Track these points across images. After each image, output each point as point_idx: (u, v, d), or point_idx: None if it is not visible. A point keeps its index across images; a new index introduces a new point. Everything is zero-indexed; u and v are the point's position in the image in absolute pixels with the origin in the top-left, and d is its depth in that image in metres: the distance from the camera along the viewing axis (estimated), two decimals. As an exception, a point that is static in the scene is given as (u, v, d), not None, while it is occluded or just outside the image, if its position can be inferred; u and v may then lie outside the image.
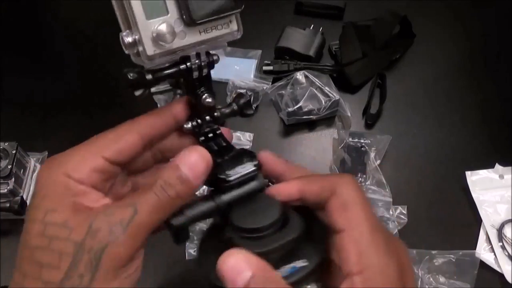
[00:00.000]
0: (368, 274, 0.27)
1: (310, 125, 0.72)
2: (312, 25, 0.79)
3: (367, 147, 0.67)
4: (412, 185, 0.66)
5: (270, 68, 0.75)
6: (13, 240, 0.61)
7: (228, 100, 0.71)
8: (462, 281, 0.56)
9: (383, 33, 0.77)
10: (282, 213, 0.30)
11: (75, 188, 0.27)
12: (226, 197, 0.31)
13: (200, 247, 0.33)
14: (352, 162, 0.65)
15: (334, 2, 0.84)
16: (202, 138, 0.33)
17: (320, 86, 0.71)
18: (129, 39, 0.28)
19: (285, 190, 0.32)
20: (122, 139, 0.29)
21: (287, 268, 0.29)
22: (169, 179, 0.27)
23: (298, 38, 0.77)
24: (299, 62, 0.75)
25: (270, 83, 0.73)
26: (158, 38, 0.28)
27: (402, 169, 0.67)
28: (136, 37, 0.28)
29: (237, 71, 0.76)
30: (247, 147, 0.68)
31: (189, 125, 0.32)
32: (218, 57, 0.32)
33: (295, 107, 0.69)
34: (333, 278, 0.31)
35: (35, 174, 0.65)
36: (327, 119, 0.71)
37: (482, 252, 0.59)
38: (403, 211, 0.59)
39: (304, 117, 0.70)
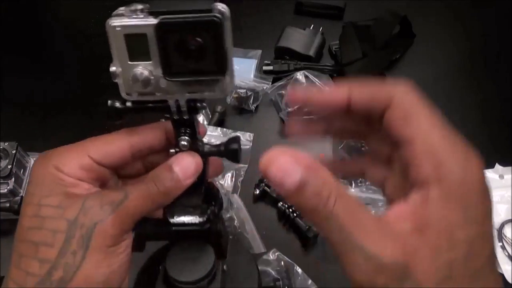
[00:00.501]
0: (447, 184, 0.24)
1: (310, 125, 0.72)
2: (312, 25, 0.80)
3: (367, 147, 0.66)
4: (412, 185, 0.66)
5: (270, 68, 0.75)
6: (13, 240, 0.61)
7: (228, 99, 0.71)
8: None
9: (383, 33, 0.77)
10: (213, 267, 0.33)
11: (66, 180, 0.28)
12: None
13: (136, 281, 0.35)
14: (352, 162, 0.65)
15: (334, 2, 0.84)
16: None
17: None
18: (113, 69, 0.29)
19: (333, 95, 0.29)
20: (110, 144, 0.31)
21: None
22: (161, 175, 0.29)
23: (298, 38, 0.77)
24: (299, 62, 0.75)
25: (270, 83, 0.73)
26: (133, 81, 0.28)
27: (402, 169, 0.67)
28: (118, 71, 0.29)
29: (237, 71, 0.75)
30: (247, 147, 0.68)
31: (173, 150, 0.32)
32: (204, 105, 0.30)
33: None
34: (397, 189, 0.28)
35: (35, 174, 0.65)
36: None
37: (482, 252, 0.59)
38: (403, 211, 0.59)
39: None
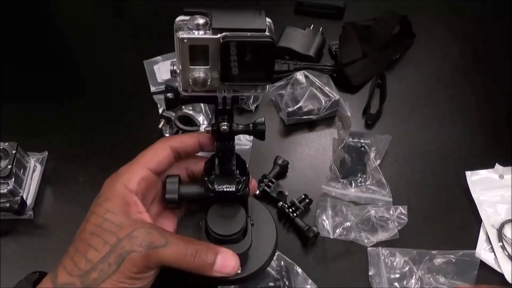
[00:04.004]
0: None
1: (310, 125, 0.72)
2: (312, 25, 0.80)
3: (367, 147, 0.67)
4: (412, 185, 0.66)
5: (270, 68, 0.75)
6: (13, 240, 0.61)
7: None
8: (462, 281, 0.56)
9: (383, 33, 0.77)
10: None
11: (128, 198, 0.36)
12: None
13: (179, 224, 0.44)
14: (352, 162, 0.65)
15: (334, 2, 0.84)
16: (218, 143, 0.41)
17: (320, 86, 0.71)
18: (173, 69, 0.34)
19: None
20: (158, 154, 0.39)
21: None
22: (203, 255, 0.35)
23: (298, 38, 0.77)
24: (299, 62, 0.75)
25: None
26: (193, 83, 0.34)
27: (402, 169, 0.67)
28: (178, 71, 0.34)
29: (237, 71, 0.76)
30: (247, 147, 0.68)
31: (209, 128, 0.39)
32: (244, 99, 0.38)
33: (295, 107, 0.69)
34: None
35: (35, 174, 0.65)
36: (327, 119, 0.71)
37: (482, 252, 0.59)
38: (403, 211, 0.59)
39: (304, 117, 0.70)
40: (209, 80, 0.33)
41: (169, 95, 0.36)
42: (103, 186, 0.38)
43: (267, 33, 0.32)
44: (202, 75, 0.33)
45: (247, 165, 0.43)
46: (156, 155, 0.39)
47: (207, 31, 0.31)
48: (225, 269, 0.36)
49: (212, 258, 0.36)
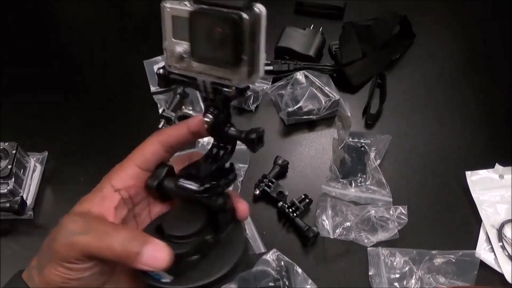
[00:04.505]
0: None
1: (310, 125, 0.72)
2: (312, 25, 0.80)
3: (367, 147, 0.67)
4: (412, 185, 0.66)
5: (270, 68, 0.75)
6: (13, 240, 0.61)
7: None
8: (462, 281, 0.56)
9: (383, 33, 0.77)
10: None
11: (107, 193, 0.36)
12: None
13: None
14: (352, 162, 0.65)
15: (334, 2, 0.84)
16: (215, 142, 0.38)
17: (320, 86, 0.71)
18: (164, 46, 0.33)
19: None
20: (146, 150, 0.37)
21: None
22: (126, 245, 0.32)
23: (298, 38, 0.77)
24: (299, 62, 0.75)
25: (270, 83, 0.73)
26: (170, 54, 0.33)
27: (402, 169, 0.67)
28: (165, 45, 0.33)
29: (237, 71, 0.76)
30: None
31: (205, 118, 0.36)
32: (231, 91, 0.33)
33: (295, 107, 0.69)
34: None
35: (35, 174, 0.65)
36: (327, 119, 0.71)
37: (482, 252, 0.59)
38: (403, 211, 0.59)
39: (304, 117, 0.70)
40: (186, 58, 0.32)
41: (160, 70, 0.35)
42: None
43: (243, 13, 0.30)
44: (179, 49, 0.32)
45: (240, 173, 0.40)
46: (143, 151, 0.37)
47: (188, 4, 0.31)
48: (153, 262, 0.32)
49: (137, 247, 0.32)
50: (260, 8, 0.31)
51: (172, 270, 0.33)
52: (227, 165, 0.38)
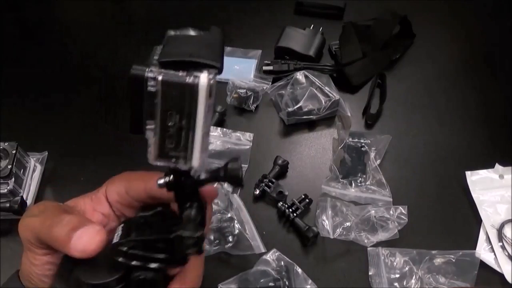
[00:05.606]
0: None
1: (310, 125, 0.72)
2: (312, 25, 0.80)
3: (367, 147, 0.67)
4: (412, 185, 0.66)
5: (270, 68, 0.75)
6: (13, 240, 0.61)
7: (228, 99, 0.71)
8: (462, 281, 0.56)
9: (383, 33, 0.77)
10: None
11: (97, 194, 0.35)
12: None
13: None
14: (352, 162, 0.65)
15: (334, 2, 0.84)
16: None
17: (320, 86, 0.71)
18: None
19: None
20: (131, 182, 0.35)
21: None
22: (56, 228, 0.30)
23: (298, 38, 0.77)
24: (299, 62, 0.75)
25: (270, 83, 0.73)
26: None
27: (402, 169, 0.67)
28: None
29: (237, 71, 0.76)
30: (247, 147, 0.68)
31: (162, 181, 0.30)
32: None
33: (295, 107, 0.69)
34: None
35: (35, 174, 0.65)
36: (327, 119, 0.71)
37: (482, 252, 0.59)
38: (403, 211, 0.59)
39: (304, 117, 0.70)
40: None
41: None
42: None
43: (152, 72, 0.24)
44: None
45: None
46: (130, 181, 0.35)
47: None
48: (84, 247, 0.29)
49: (66, 230, 0.29)
50: (200, 75, 0.24)
51: None
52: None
